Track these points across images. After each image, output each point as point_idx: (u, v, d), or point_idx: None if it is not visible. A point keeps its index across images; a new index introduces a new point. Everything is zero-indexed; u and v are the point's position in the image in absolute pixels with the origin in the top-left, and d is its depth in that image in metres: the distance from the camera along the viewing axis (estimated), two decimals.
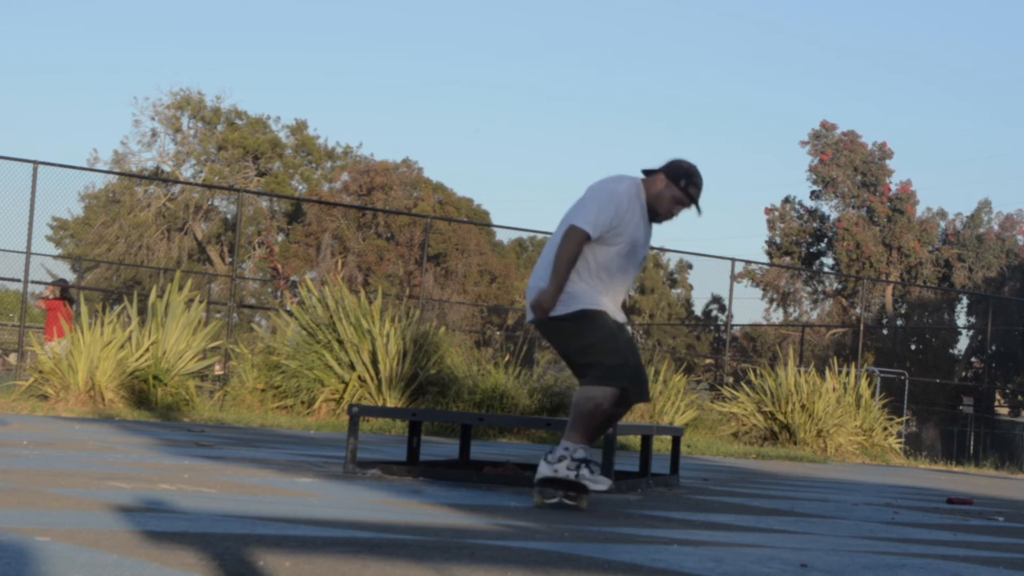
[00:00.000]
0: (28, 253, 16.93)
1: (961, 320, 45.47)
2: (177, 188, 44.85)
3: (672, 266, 49.35)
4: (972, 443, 31.10)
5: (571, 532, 4.43)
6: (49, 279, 32.20)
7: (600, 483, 5.41)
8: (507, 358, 16.14)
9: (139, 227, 43.23)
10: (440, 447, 10.58)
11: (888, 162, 45.83)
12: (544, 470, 5.44)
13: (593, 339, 5.47)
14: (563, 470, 5.39)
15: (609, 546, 4.03)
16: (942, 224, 46.29)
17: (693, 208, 5.71)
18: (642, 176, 5.70)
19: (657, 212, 5.63)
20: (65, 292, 17.13)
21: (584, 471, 5.39)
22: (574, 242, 5.48)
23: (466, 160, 77.73)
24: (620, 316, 5.66)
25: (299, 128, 48.88)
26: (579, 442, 5.43)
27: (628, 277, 5.67)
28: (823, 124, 46.15)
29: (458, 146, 79.74)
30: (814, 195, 46.65)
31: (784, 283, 46.86)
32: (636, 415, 15.99)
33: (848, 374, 17.83)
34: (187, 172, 47.11)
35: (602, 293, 5.57)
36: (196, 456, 7.30)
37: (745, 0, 76.37)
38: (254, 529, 3.80)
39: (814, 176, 46.09)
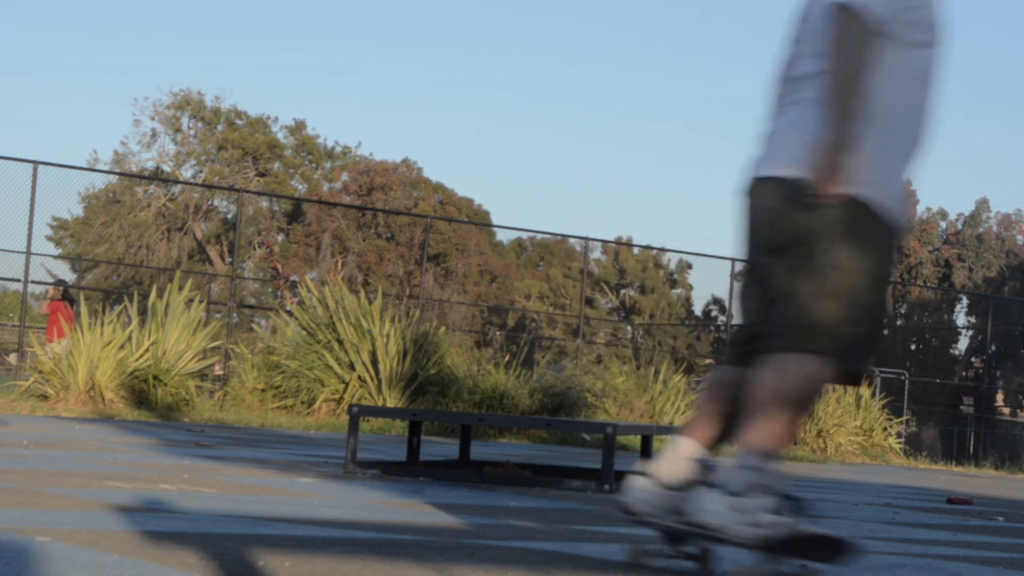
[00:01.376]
0: (28, 253, 16.93)
1: (961, 320, 45.48)
2: (177, 188, 44.85)
3: (672, 266, 49.33)
4: (972, 443, 31.09)
5: (571, 532, 4.43)
6: (49, 279, 32.22)
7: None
8: (507, 358, 16.15)
9: (139, 227, 43.22)
10: (440, 447, 10.58)
11: None
12: (719, 512, 3.17)
13: (855, 278, 3.16)
14: (760, 513, 3.13)
15: (609, 546, 4.03)
16: (942, 224, 46.29)
17: None
18: None
19: None
20: (66, 293, 17.14)
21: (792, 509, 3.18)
22: (854, 33, 3.13)
23: (466, 160, 77.73)
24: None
25: (298, 128, 48.89)
26: (772, 453, 3.20)
27: (924, 128, 3.34)
28: None
29: (458, 146, 79.74)
30: None
31: None
32: (636, 415, 16.00)
33: None
34: (187, 172, 47.12)
35: (895, 168, 3.26)
36: (196, 456, 7.30)
37: (745, 0, 76.40)
38: (254, 529, 3.80)
39: None
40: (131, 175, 44.60)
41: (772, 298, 3.22)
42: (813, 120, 3.16)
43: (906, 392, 28.17)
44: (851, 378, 3.30)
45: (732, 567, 3.33)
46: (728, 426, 3.34)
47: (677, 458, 3.37)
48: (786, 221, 3.16)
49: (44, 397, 13.44)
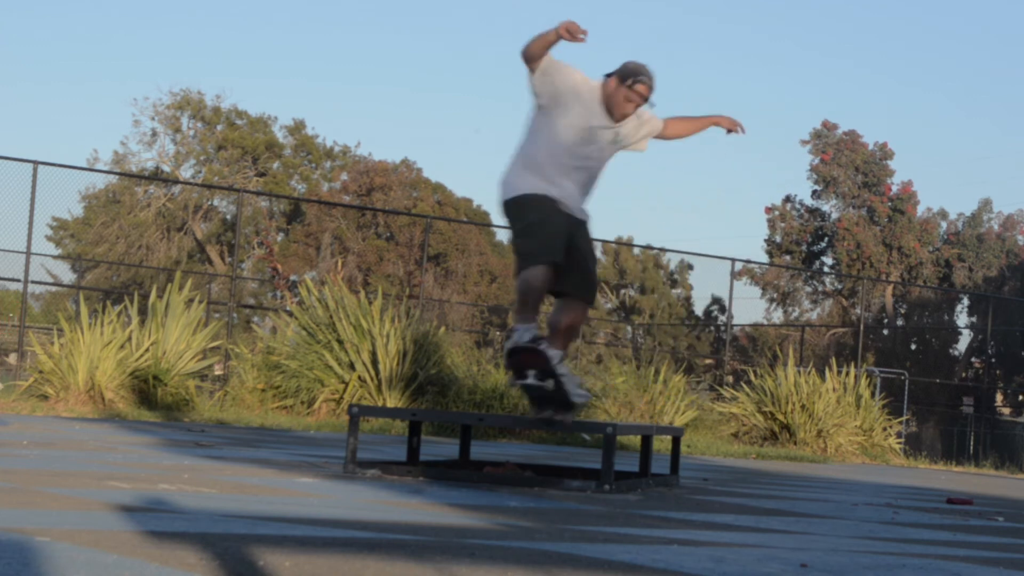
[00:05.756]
0: (28, 253, 16.93)
1: (961, 320, 45.50)
2: (177, 188, 44.85)
3: (672, 266, 49.34)
4: (972, 443, 31.10)
5: (571, 532, 4.43)
6: (49, 279, 32.24)
7: (555, 356, 6.02)
8: None
9: (139, 227, 43.22)
10: (440, 447, 10.58)
11: (889, 162, 45.84)
12: (511, 342, 6.02)
13: (524, 222, 5.96)
14: (520, 340, 5.97)
15: (609, 546, 4.03)
16: (943, 224, 46.30)
17: (646, 103, 6.14)
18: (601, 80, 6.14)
19: (612, 111, 6.02)
20: None
21: (541, 344, 5.98)
22: (543, 40, 5.89)
23: (465, 160, 77.73)
24: (569, 203, 6.03)
25: (297, 128, 48.89)
26: (526, 321, 5.99)
27: (583, 163, 6.07)
28: (824, 123, 46.17)
29: (457, 146, 79.74)
30: (815, 195, 46.67)
31: (784, 283, 46.86)
32: (636, 415, 15.99)
33: (848, 374, 17.83)
34: (187, 172, 47.11)
35: (554, 175, 6.02)
36: (196, 456, 7.30)
37: (745, 1, 76.37)
38: (254, 529, 3.80)
39: (815, 175, 46.10)
40: (131, 175, 44.60)
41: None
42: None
43: (906, 392, 28.18)
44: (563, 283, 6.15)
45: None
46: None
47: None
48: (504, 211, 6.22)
49: (44, 397, 13.44)
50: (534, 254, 5.87)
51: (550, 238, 5.90)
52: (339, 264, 25.15)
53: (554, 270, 5.89)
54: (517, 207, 6.00)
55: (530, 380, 5.94)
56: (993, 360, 40.34)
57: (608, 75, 6.10)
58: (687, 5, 78.96)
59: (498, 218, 60.91)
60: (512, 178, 6.07)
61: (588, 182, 6.16)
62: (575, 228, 6.09)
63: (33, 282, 18.62)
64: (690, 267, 48.70)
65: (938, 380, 38.13)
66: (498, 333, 34.03)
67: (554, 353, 6.09)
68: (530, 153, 6.03)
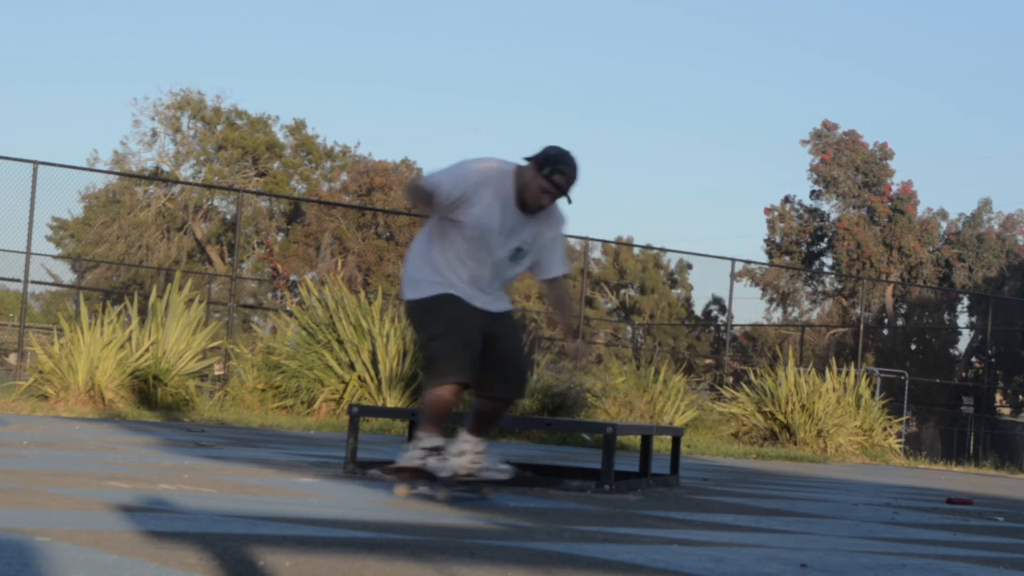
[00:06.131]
0: (28, 253, 16.93)
1: (961, 320, 45.50)
2: (177, 188, 44.85)
3: (672, 266, 49.34)
4: (972, 443, 31.10)
5: (571, 532, 4.43)
6: (49, 279, 32.24)
7: (444, 470, 5.40)
8: None
9: (139, 227, 43.22)
10: None
11: (889, 162, 45.85)
12: (401, 459, 5.51)
13: (431, 332, 5.41)
14: (407, 459, 5.42)
15: (609, 546, 4.03)
16: (943, 224, 46.32)
17: (563, 196, 5.43)
18: (522, 163, 5.47)
19: (525, 201, 5.38)
20: None
21: (432, 460, 5.38)
22: (422, 189, 5.37)
23: None
24: (482, 299, 5.46)
25: (298, 128, 48.90)
26: (428, 432, 5.43)
27: (486, 263, 5.43)
28: (824, 123, 46.17)
29: (456, 146, 79.75)
30: (814, 195, 46.68)
31: (784, 283, 46.87)
32: (636, 415, 16.00)
33: (848, 374, 17.83)
34: (187, 172, 47.12)
35: (459, 271, 5.45)
36: (196, 456, 7.30)
37: (746, 2, 76.38)
38: (254, 529, 3.80)
39: (815, 176, 46.11)
40: (131, 175, 44.60)
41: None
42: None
43: (906, 392, 28.18)
44: (483, 386, 5.63)
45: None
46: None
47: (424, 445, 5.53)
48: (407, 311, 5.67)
49: (44, 397, 13.44)
50: (442, 373, 5.31)
51: (461, 352, 5.33)
52: (339, 264, 25.15)
53: (468, 383, 5.43)
54: (423, 311, 5.42)
55: (422, 490, 5.45)
56: (993, 360, 40.34)
57: (528, 159, 5.42)
58: (687, 5, 78.96)
59: None
60: (415, 274, 5.47)
61: (503, 272, 5.51)
62: (493, 323, 5.46)
63: (33, 282, 18.62)
64: (690, 267, 48.69)
65: (938, 380, 38.13)
66: None
67: (468, 443, 5.53)
68: (434, 248, 5.44)
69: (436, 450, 5.39)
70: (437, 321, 5.36)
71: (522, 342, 5.79)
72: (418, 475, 5.40)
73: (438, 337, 5.33)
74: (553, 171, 5.34)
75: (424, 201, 5.35)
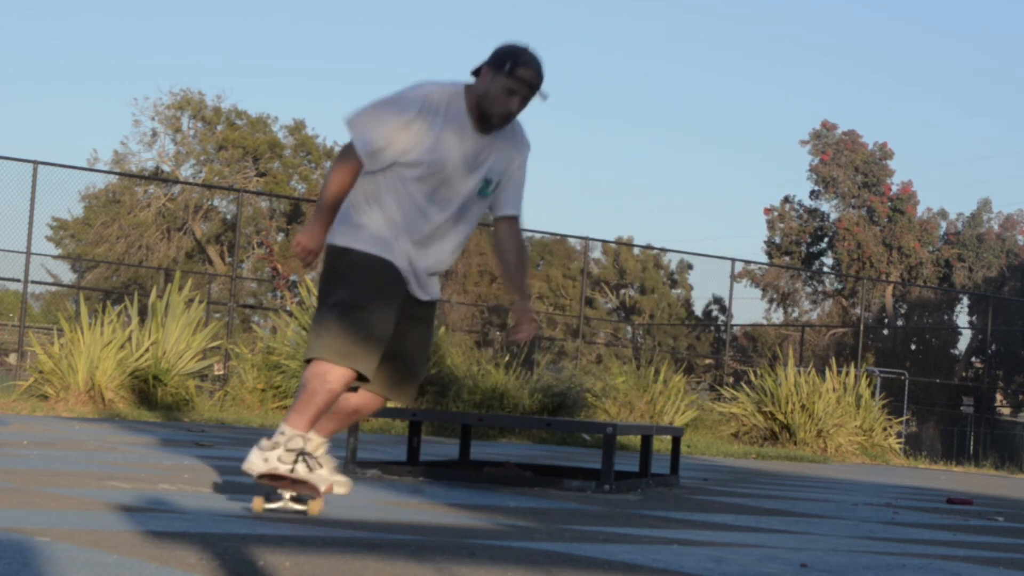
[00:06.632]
0: (28, 253, 16.93)
1: (961, 320, 45.51)
2: (177, 188, 44.85)
3: (672, 266, 49.34)
4: (972, 443, 31.10)
5: (571, 532, 4.43)
6: (49, 279, 32.23)
7: (322, 481, 4.34)
8: (507, 358, 16.15)
9: (139, 227, 43.22)
10: (440, 447, 10.58)
11: (889, 162, 45.86)
12: (255, 461, 4.31)
13: (351, 297, 4.37)
14: (274, 460, 4.30)
15: (609, 546, 4.03)
16: (943, 224, 46.33)
17: (534, 96, 4.45)
18: (469, 82, 4.52)
19: (490, 114, 4.41)
20: None
21: (301, 467, 4.31)
22: (343, 164, 4.40)
23: None
24: (418, 280, 4.49)
25: (297, 128, 48.91)
26: (299, 427, 4.32)
27: (451, 205, 4.45)
28: (824, 124, 46.18)
29: None
30: (814, 195, 46.69)
31: (784, 283, 46.88)
32: (636, 415, 15.99)
33: (848, 374, 17.83)
34: (187, 172, 47.12)
35: (415, 229, 4.42)
36: (196, 456, 7.30)
37: (746, 2, 76.37)
38: (254, 529, 3.80)
39: (814, 176, 46.12)
40: (131, 175, 44.60)
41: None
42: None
43: (906, 392, 28.17)
44: (378, 386, 4.54)
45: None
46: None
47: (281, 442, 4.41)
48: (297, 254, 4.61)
49: (44, 397, 13.44)
50: (345, 353, 4.26)
51: (375, 339, 4.33)
52: None
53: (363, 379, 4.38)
54: (350, 267, 4.42)
55: (286, 503, 4.35)
56: (993, 360, 40.34)
57: (475, 70, 4.49)
58: (687, 5, 78.96)
59: None
60: (359, 218, 4.44)
61: (469, 212, 4.53)
62: (414, 310, 4.51)
63: (33, 282, 18.62)
64: (690, 267, 48.69)
65: (938, 380, 38.13)
66: (498, 333, 34.03)
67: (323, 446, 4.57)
68: (390, 196, 4.41)
69: (304, 454, 4.33)
70: (364, 288, 4.37)
71: (432, 341, 4.81)
72: (284, 483, 4.33)
73: (357, 307, 4.33)
74: (515, 65, 4.39)
75: (349, 174, 4.40)
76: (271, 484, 4.34)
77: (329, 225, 4.50)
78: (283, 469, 4.30)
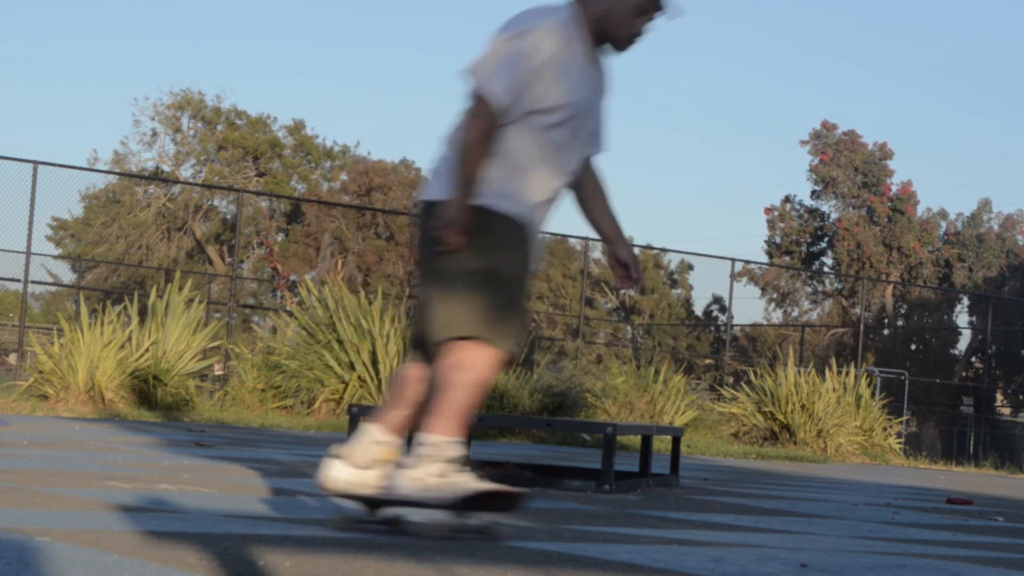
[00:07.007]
0: (28, 253, 16.94)
1: (961, 320, 45.52)
2: (177, 188, 44.85)
3: (673, 266, 49.35)
4: (972, 443, 31.10)
5: (571, 532, 4.43)
6: (49, 279, 32.23)
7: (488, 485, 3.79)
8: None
9: (139, 227, 43.23)
10: None
11: (889, 162, 45.86)
12: (405, 486, 3.73)
13: (512, 268, 3.79)
14: (433, 480, 3.70)
15: (609, 546, 4.03)
16: (943, 224, 46.34)
17: (662, 13, 3.93)
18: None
19: (617, 39, 3.87)
20: None
21: (457, 477, 3.74)
22: (477, 122, 3.75)
23: None
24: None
25: (297, 128, 48.91)
26: (454, 434, 3.76)
27: (575, 158, 3.92)
28: (824, 124, 46.19)
29: None
30: (814, 195, 46.70)
31: (784, 283, 46.88)
32: (636, 415, 15.99)
33: (848, 374, 17.83)
34: (187, 172, 47.13)
35: (532, 189, 3.84)
36: (196, 456, 7.30)
37: (747, 2, 76.38)
38: (254, 529, 3.80)
39: (814, 176, 46.12)
40: (131, 175, 44.61)
41: (436, 298, 3.82)
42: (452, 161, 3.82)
43: (906, 392, 28.18)
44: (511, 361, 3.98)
45: (425, 522, 3.82)
46: (417, 414, 3.89)
47: (366, 442, 3.91)
48: (439, 234, 3.79)
49: (44, 397, 13.44)
50: (505, 333, 3.77)
51: (523, 309, 3.86)
52: (339, 264, 25.16)
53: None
54: (506, 235, 3.79)
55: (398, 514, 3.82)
56: (993, 360, 40.34)
57: None
58: (687, 5, 78.89)
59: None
60: (509, 185, 3.81)
61: (577, 163, 3.99)
62: None
63: (33, 282, 18.63)
64: (690, 267, 48.69)
65: (938, 380, 38.14)
66: None
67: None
68: (532, 157, 3.81)
69: (458, 461, 3.76)
70: (521, 261, 3.79)
71: None
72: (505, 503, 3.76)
73: (514, 280, 3.76)
74: None
75: (486, 123, 3.73)
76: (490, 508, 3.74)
77: (469, 196, 3.74)
78: (448, 492, 3.70)
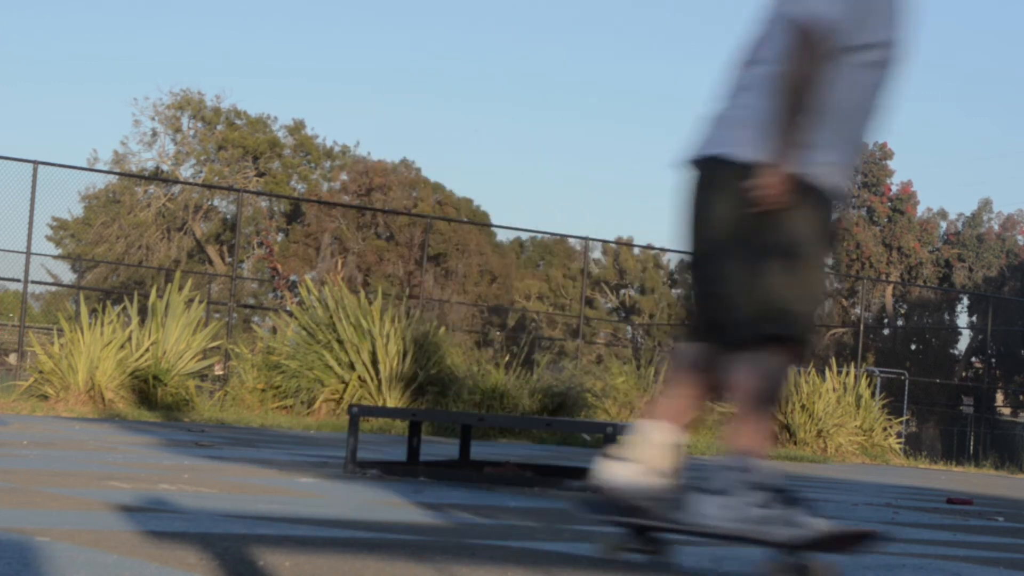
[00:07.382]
0: (28, 253, 16.94)
1: (961, 320, 45.51)
2: (177, 188, 44.85)
3: (672, 266, 49.35)
4: (972, 443, 31.10)
5: (571, 532, 4.43)
6: (49, 279, 32.23)
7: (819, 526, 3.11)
8: (507, 358, 16.15)
9: (139, 227, 43.23)
10: (440, 447, 10.57)
11: (889, 162, 45.87)
12: (716, 515, 3.14)
13: (805, 249, 3.18)
14: (756, 514, 3.11)
15: None
16: (943, 224, 46.34)
17: None
18: None
19: None
20: None
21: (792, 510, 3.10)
22: (805, 57, 3.14)
23: (464, 160, 77.73)
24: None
25: (297, 128, 48.91)
26: (764, 455, 3.21)
27: (877, 115, 3.37)
28: None
29: (456, 146, 79.77)
30: None
31: None
32: (636, 415, 16.00)
33: (848, 374, 17.83)
34: (187, 172, 47.12)
35: (840, 149, 3.32)
36: (196, 456, 7.30)
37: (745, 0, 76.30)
38: (254, 529, 3.80)
39: None
40: (131, 175, 44.60)
41: (736, 285, 3.18)
42: (765, 110, 3.17)
43: (906, 392, 28.17)
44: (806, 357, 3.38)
45: (760, 563, 3.31)
46: (699, 407, 3.45)
47: (658, 445, 3.35)
48: (760, 198, 3.13)
49: (44, 397, 13.44)
50: (795, 318, 3.16)
51: (819, 292, 3.25)
52: (339, 264, 25.18)
53: None
54: (812, 209, 3.23)
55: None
56: (993, 360, 40.33)
57: None
58: (688, 5, 78.98)
59: (499, 217, 60.37)
60: (816, 138, 3.22)
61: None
62: None
63: (33, 282, 18.63)
64: None
65: (938, 380, 38.13)
66: (498, 333, 34.02)
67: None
68: (831, 99, 3.20)
69: (783, 495, 3.13)
70: (815, 239, 3.23)
71: None
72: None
73: (810, 257, 3.20)
74: None
75: (813, 58, 3.12)
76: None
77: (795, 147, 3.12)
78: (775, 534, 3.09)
